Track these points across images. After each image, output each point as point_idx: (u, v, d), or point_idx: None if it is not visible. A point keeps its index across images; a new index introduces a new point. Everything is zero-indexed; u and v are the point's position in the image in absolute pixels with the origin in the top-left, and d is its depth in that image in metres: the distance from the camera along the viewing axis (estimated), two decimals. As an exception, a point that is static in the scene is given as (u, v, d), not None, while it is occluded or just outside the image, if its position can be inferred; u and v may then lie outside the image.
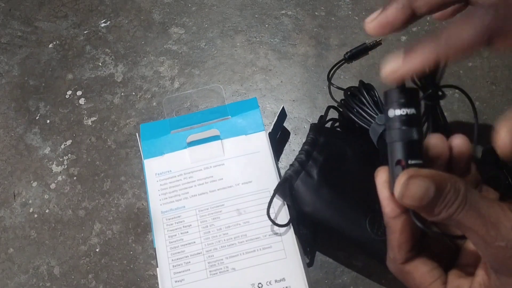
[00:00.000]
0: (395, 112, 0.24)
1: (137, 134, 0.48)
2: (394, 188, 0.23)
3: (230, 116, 0.46)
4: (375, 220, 0.37)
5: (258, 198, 0.42)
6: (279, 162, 0.47)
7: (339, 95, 0.43)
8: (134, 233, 0.45)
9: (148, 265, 0.44)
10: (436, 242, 0.27)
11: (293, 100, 0.50)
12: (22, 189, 0.48)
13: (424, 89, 0.37)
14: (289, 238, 0.40)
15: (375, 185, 0.26)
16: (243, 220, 0.41)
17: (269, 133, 0.45)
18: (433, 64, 0.23)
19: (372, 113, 0.39)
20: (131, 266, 0.44)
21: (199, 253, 0.40)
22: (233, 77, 0.52)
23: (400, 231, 0.25)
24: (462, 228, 0.23)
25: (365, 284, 0.41)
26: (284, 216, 0.41)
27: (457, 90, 0.43)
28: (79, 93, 0.53)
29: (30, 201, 0.48)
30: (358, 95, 0.41)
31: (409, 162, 0.24)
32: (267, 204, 0.40)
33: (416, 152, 0.24)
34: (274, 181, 0.42)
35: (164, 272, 0.40)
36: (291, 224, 0.40)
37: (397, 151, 0.24)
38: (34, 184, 0.49)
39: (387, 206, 0.25)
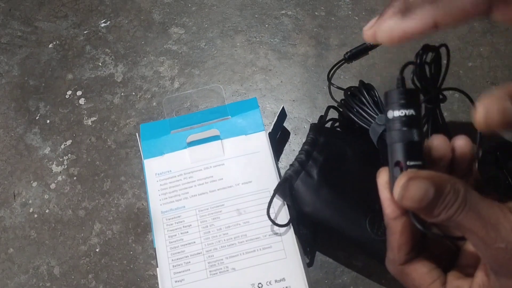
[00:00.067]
0: (395, 113, 0.24)
1: (137, 134, 0.48)
2: (393, 190, 0.24)
3: (230, 116, 0.46)
4: (375, 220, 0.37)
5: (258, 198, 0.42)
6: (279, 162, 0.47)
7: (339, 95, 0.43)
8: (134, 233, 0.45)
9: (148, 265, 0.44)
10: (435, 243, 0.27)
11: (293, 100, 0.50)
12: (22, 189, 0.48)
13: (424, 91, 0.37)
14: (289, 238, 0.40)
15: (376, 185, 0.26)
16: (243, 220, 0.41)
17: (269, 133, 0.45)
18: (430, 28, 0.22)
19: (372, 113, 0.39)
20: (131, 266, 0.44)
21: (199, 253, 0.40)
22: (233, 77, 0.52)
23: (401, 232, 0.25)
24: (462, 229, 0.23)
25: (365, 284, 0.41)
26: (284, 216, 0.41)
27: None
28: (79, 93, 0.53)
29: (30, 201, 0.48)
30: (358, 95, 0.41)
31: (409, 163, 0.24)
32: (267, 204, 0.40)
33: (416, 154, 0.24)
34: (274, 181, 0.42)
35: (164, 272, 0.40)
36: (291, 224, 0.40)
37: (397, 152, 0.24)
38: (34, 184, 0.49)
39: (388, 207, 0.25)
